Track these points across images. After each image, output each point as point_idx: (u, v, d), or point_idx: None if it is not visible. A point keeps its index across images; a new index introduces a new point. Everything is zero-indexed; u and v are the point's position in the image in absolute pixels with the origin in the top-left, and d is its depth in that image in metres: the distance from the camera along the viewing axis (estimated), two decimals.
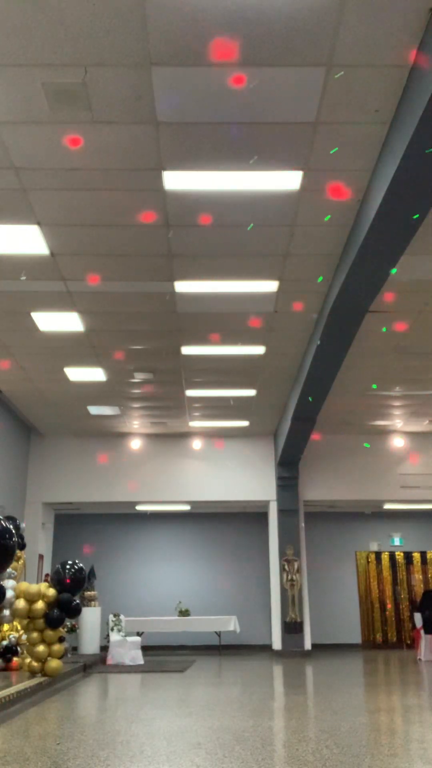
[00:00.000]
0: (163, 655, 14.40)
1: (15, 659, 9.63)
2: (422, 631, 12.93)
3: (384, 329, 8.43)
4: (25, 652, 9.51)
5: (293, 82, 4.97)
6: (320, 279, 7.52)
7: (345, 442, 14.76)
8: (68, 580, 9.02)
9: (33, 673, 8.65)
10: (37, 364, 10.61)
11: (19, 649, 9.80)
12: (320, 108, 5.23)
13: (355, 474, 14.63)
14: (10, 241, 7.07)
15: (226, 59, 4.68)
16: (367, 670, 11.10)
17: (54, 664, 8.64)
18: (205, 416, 13.46)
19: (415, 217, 5.57)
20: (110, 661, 11.86)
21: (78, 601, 9.12)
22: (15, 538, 6.56)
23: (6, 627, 9.90)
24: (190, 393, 11.98)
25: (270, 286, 8.07)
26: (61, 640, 8.87)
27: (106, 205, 6.47)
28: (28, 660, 8.88)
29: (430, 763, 4.08)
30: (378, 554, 17.35)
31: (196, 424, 13.98)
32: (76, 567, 9.19)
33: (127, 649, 11.91)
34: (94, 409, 12.95)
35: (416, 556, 17.32)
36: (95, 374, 11.03)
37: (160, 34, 4.54)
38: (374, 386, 10.03)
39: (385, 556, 17.31)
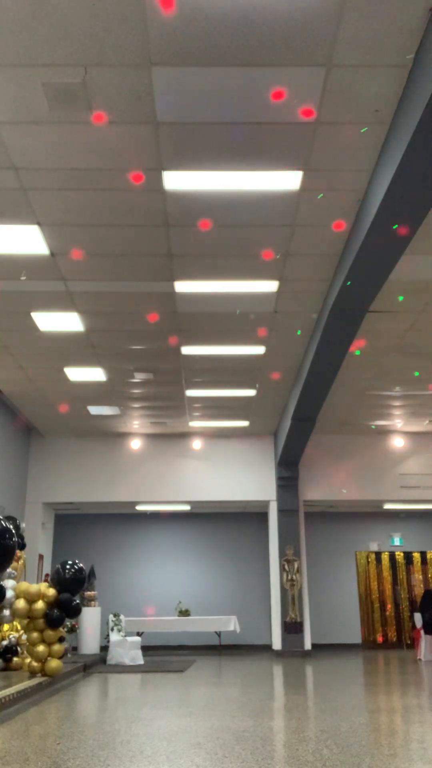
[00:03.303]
0: (163, 655, 14.40)
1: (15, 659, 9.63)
2: (422, 631, 12.93)
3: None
4: (25, 652, 9.51)
5: (293, 82, 4.97)
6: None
7: (345, 442, 14.76)
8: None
9: (33, 673, 8.65)
10: (37, 364, 10.61)
11: (19, 649, 9.80)
12: (320, 108, 5.23)
13: (355, 474, 14.63)
14: (10, 241, 7.07)
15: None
16: (367, 670, 11.09)
17: (54, 664, 8.64)
18: (205, 416, 13.46)
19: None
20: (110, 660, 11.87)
21: (78, 601, 9.12)
22: (15, 538, 6.56)
23: (6, 627, 9.89)
24: (190, 393, 11.98)
25: (270, 286, 8.07)
26: (61, 640, 8.87)
27: (106, 205, 6.47)
28: (28, 660, 8.88)
29: (430, 763, 4.08)
30: (378, 554, 17.35)
31: (196, 424, 13.98)
32: (76, 567, 9.19)
33: (127, 649, 11.91)
34: (94, 409, 12.95)
35: (416, 556, 17.32)
36: (95, 374, 11.03)
37: (160, 34, 4.54)
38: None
39: (385, 556, 17.31)
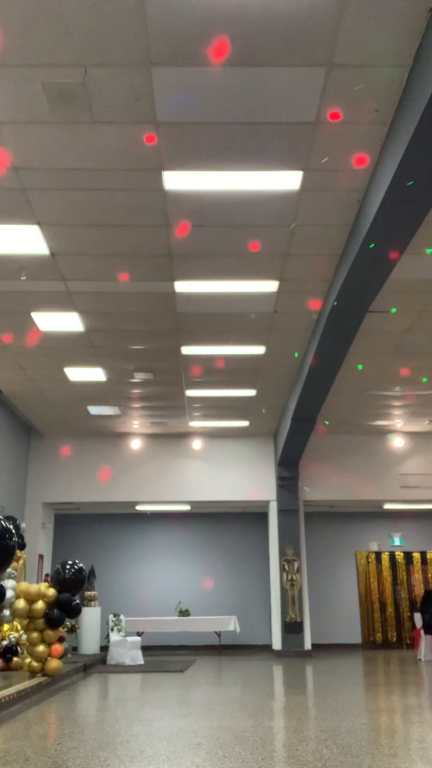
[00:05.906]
0: (163, 655, 14.40)
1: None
2: (422, 631, 12.93)
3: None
4: (25, 652, 9.51)
5: (293, 82, 4.97)
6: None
7: (345, 442, 14.76)
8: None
9: (33, 673, 8.65)
10: (37, 364, 10.61)
11: (19, 649, 9.80)
12: (320, 108, 5.23)
13: (355, 474, 14.63)
14: (10, 241, 7.07)
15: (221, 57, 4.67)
16: (367, 670, 11.09)
17: (54, 664, 8.64)
18: (205, 416, 13.45)
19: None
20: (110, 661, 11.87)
21: (78, 601, 9.12)
22: (15, 538, 6.56)
23: (6, 627, 9.89)
24: (190, 393, 11.97)
25: (270, 286, 8.06)
26: (61, 640, 8.87)
27: (106, 205, 6.47)
28: (28, 660, 8.88)
29: (430, 763, 4.08)
30: (378, 554, 17.35)
31: (196, 424, 13.97)
32: (76, 567, 9.19)
33: (127, 649, 11.90)
34: (94, 409, 12.95)
35: (416, 556, 17.31)
36: (95, 374, 11.03)
37: (160, 34, 4.54)
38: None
39: (385, 556, 17.31)
